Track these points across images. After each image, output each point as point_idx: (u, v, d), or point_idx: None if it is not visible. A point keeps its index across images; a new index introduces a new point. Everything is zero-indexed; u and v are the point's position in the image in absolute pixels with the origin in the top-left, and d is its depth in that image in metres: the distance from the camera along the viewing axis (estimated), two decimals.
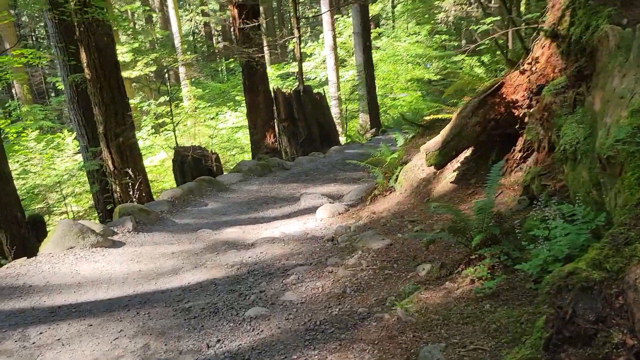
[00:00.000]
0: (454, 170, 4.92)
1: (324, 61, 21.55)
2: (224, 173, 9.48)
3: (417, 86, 21.68)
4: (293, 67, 21.39)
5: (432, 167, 4.84)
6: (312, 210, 6.69)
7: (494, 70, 7.23)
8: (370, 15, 18.73)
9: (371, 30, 18.19)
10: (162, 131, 17.90)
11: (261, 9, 14.83)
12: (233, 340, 3.29)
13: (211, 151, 10.72)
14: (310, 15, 24.60)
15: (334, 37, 19.01)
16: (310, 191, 7.93)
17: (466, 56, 23.57)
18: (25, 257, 5.08)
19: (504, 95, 4.11)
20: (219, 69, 29.23)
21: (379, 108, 15.41)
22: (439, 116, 6.76)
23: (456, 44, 24.01)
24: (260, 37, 12.50)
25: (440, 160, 4.60)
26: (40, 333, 3.59)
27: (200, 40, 29.81)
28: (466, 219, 3.16)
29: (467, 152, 4.87)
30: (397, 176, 6.04)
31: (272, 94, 12.62)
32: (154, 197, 12.56)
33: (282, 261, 4.69)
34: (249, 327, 3.45)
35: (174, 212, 6.90)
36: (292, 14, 14.98)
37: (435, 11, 23.80)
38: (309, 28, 32.61)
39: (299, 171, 9.68)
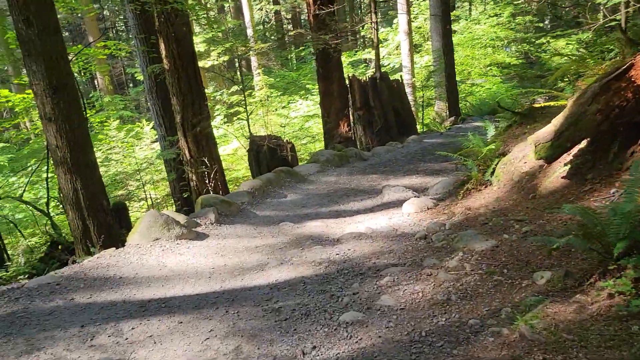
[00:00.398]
0: (566, 164, 4.43)
1: (397, 47, 20.97)
2: (300, 164, 9.31)
3: (497, 71, 20.67)
4: (365, 54, 20.99)
5: (542, 160, 4.38)
6: (396, 204, 6.37)
7: (600, 52, 6.58)
8: None
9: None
10: (235, 120, 18.05)
11: None
12: (330, 348, 3.05)
13: (287, 140, 10.58)
14: None
15: (409, 21, 18.41)
16: (392, 183, 7.61)
17: (551, 38, 22.29)
18: (114, 248, 5.10)
19: (632, 79, 3.61)
20: (288, 58, 29.22)
21: (458, 95, 14.74)
22: (546, 104, 6.24)
23: (541, 25, 22.68)
24: (335, 23, 12.22)
25: (552, 152, 4.14)
26: (132, 328, 3.51)
27: (271, 29, 29.88)
28: (604, 223, 2.74)
29: (582, 144, 4.37)
30: (494, 169, 5.60)
31: (347, 81, 12.31)
32: (228, 186, 12.68)
33: (373, 260, 4.41)
34: (345, 333, 3.20)
35: (254, 204, 6.79)
36: None
37: None
38: (379, 13, 31.93)
39: (377, 162, 9.35)
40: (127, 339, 3.37)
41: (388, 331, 3.15)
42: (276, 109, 18.14)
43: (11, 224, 10.56)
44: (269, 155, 10.24)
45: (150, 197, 14.18)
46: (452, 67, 14.12)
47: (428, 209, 5.80)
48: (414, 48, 19.54)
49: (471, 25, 21.37)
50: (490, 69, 20.85)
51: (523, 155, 5.31)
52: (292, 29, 30.89)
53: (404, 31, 18.21)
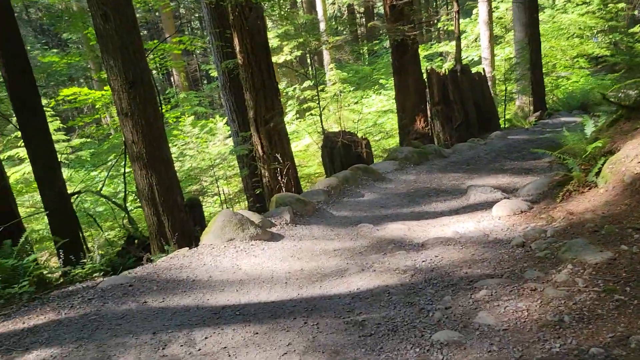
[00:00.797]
0: None
1: (476, 39, 20.08)
2: (377, 161, 8.93)
3: (585, 62, 19.33)
4: (441, 47, 20.24)
5: None
6: (484, 206, 5.88)
7: None
8: None
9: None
10: (307, 116, 17.90)
11: None
12: None
13: (362, 137, 10.24)
14: None
15: (490, 11, 17.55)
16: (477, 183, 7.09)
17: None
18: (187, 248, 4.96)
19: None
20: (361, 52, 28.81)
21: (544, 89, 13.80)
22: None
23: (635, 13, 21.00)
24: (414, 13, 11.74)
25: None
26: (206, 338, 3.30)
27: (343, 23, 29.59)
28: None
29: None
30: (600, 169, 4.99)
31: (426, 74, 11.79)
32: (300, 182, 12.52)
33: (464, 269, 3.99)
34: (440, 356, 2.83)
35: (330, 203, 6.50)
36: None
37: None
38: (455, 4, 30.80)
39: (459, 159, 8.82)
40: (200, 349, 3.16)
41: (491, 356, 2.75)
42: (349, 105, 17.83)
43: (91, 218, 10.90)
44: (343, 151, 9.95)
45: (223, 193, 14.32)
46: (538, 58, 13.24)
47: (522, 212, 5.27)
48: (494, 39, 18.61)
49: (557, 14, 20.08)
50: (577, 60, 19.54)
51: (636, 154, 4.68)
52: (365, 22, 30.44)
53: (484, 21, 17.38)
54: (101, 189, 10.88)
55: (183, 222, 7.62)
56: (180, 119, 14.58)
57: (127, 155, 8.69)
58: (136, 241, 9.03)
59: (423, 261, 4.28)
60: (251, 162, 12.16)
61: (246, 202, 13.45)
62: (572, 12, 19.61)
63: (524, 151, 9.10)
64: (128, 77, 6.50)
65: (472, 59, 19.75)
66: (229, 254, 4.73)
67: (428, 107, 12.00)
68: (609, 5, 19.94)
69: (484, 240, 4.61)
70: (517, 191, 6.45)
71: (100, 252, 10.53)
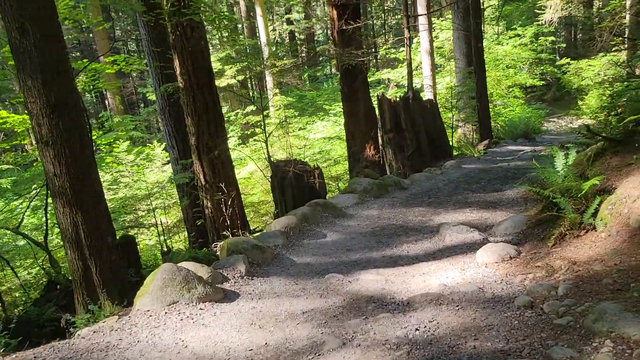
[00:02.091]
0: None
1: (416, 67, 19.86)
2: (329, 190, 8.04)
3: (519, 92, 19.49)
4: (384, 74, 19.87)
5: None
6: (463, 249, 5.11)
7: None
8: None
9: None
10: (251, 142, 16.88)
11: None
12: None
13: (314, 166, 9.37)
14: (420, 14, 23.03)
15: (431, 40, 17.32)
16: (445, 218, 6.35)
17: (571, 60, 21.14)
18: (117, 317, 3.83)
19: None
20: (302, 78, 28.20)
21: (490, 117, 13.51)
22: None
23: (564, 45, 21.53)
24: (363, 40, 11.10)
25: None
26: None
27: (284, 49, 28.92)
28: None
29: None
30: (596, 210, 4.33)
31: (377, 101, 11.14)
32: (245, 211, 11.48)
33: (469, 341, 3.14)
34: None
35: (289, 247, 5.52)
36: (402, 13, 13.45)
37: (538, 11, 21.51)
38: (391, 35, 30.96)
39: (419, 191, 8.10)
40: None
41: None
42: (294, 130, 16.99)
43: (10, 254, 9.39)
44: (294, 182, 9.03)
45: (161, 224, 13.00)
46: (484, 87, 12.94)
47: (511, 258, 4.52)
48: (436, 68, 18.41)
49: (492, 45, 20.24)
50: (512, 90, 19.70)
51: (638, 195, 4.04)
52: (305, 49, 29.93)
53: (426, 50, 17.10)
54: (20, 223, 9.38)
55: (114, 266, 6.45)
56: (114, 145, 13.20)
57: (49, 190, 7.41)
58: (58, 286, 7.70)
59: (416, 329, 3.39)
60: (192, 192, 11.07)
61: (186, 234, 12.28)
62: (507, 44, 19.80)
63: (482, 182, 8.52)
64: (50, 100, 5.35)
65: (415, 86, 19.46)
66: (171, 323, 3.64)
67: (379, 135, 11.32)
68: (539, 38, 20.32)
69: (480, 297, 3.79)
70: (492, 229, 5.75)
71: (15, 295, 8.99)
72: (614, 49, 19.95)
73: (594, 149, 5.59)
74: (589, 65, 20.15)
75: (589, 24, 24.07)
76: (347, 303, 3.98)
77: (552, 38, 20.62)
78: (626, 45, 18.17)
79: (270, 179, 9.68)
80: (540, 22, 20.35)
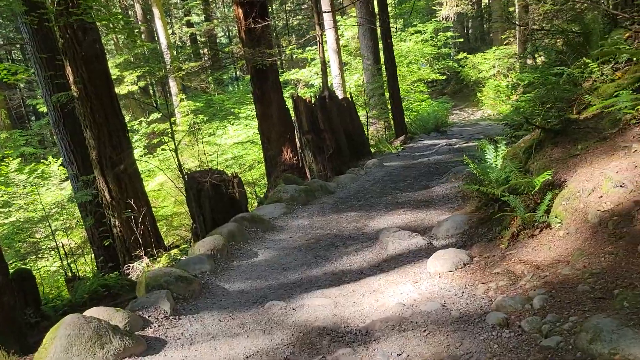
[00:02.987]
0: None
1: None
2: (250, 200, 7.34)
3: (424, 87, 19.83)
4: (292, 75, 19.34)
5: None
6: (409, 257, 4.68)
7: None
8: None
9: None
10: (158, 152, 15.66)
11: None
12: None
13: (232, 174, 8.62)
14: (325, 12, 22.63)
15: (337, 39, 17.05)
16: (381, 223, 5.93)
17: (468, 54, 21.90)
18: None
19: None
20: (208, 81, 26.99)
21: (403, 112, 13.41)
22: (573, 116, 4.81)
23: (462, 41, 22.22)
24: (272, 39, 10.48)
25: None
26: None
27: (186, 53, 27.50)
28: None
29: None
30: (549, 206, 4.05)
31: (291, 102, 10.57)
32: (158, 227, 10.50)
33: None
34: None
35: (218, 272, 4.78)
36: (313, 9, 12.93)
37: (435, 7, 22.08)
38: (293, 36, 30.54)
39: (347, 195, 7.64)
40: None
41: None
42: (204, 137, 15.98)
43: None
44: (212, 193, 8.23)
45: (63, 247, 11.61)
46: (395, 82, 12.79)
47: (464, 265, 4.14)
48: (344, 65, 18.17)
49: (396, 42, 20.41)
50: (418, 85, 19.99)
51: (594, 187, 3.79)
52: (207, 52, 28.69)
53: (333, 49, 16.77)
54: None
55: (7, 308, 5.44)
56: (1, 165, 11.59)
57: None
58: None
59: None
60: (97, 210, 9.93)
61: (92, 255, 11.07)
62: (410, 41, 20.05)
63: (408, 179, 8.24)
64: None
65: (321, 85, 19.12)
66: None
67: (296, 137, 10.76)
68: (439, 34, 20.80)
69: (446, 317, 3.33)
70: (433, 231, 5.39)
71: None
72: (505, 42, 20.94)
73: (527, 140, 5.39)
74: (485, 59, 20.97)
75: (480, 19, 25.19)
76: (297, 339, 3.37)
77: (450, 33, 21.19)
78: (517, 39, 19.10)
79: (184, 192, 8.79)
80: (438, 19, 20.92)
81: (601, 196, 3.70)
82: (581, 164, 4.15)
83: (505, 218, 4.44)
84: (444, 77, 20.58)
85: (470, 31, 28.83)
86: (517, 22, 16.69)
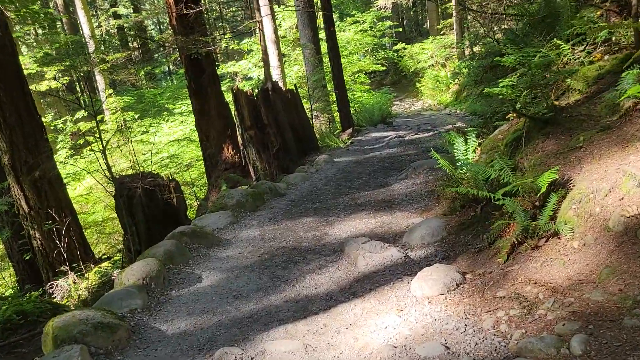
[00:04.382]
0: None
1: (262, 58, 18.43)
2: (208, 212, 6.22)
3: (365, 78, 19.20)
4: (229, 67, 18.12)
5: None
6: (385, 274, 3.88)
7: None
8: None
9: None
10: (85, 152, 14.08)
11: None
12: None
13: (168, 177, 7.51)
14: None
15: (275, 29, 16.02)
16: (343, 230, 5.12)
17: (407, 45, 21.50)
18: None
19: None
20: (138, 76, 25.12)
21: (349, 104, 12.62)
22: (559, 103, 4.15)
23: (400, 30, 21.71)
24: (206, 27, 9.37)
25: None
26: None
27: (112, 44, 25.44)
28: None
29: None
30: (554, 211, 3.34)
31: (232, 95, 9.52)
32: (86, 236, 9.26)
33: None
34: None
35: (153, 308, 3.76)
36: None
37: None
38: (228, 28, 29.07)
39: (299, 196, 6.75)
40: None
41: None
42: (135, 135, 14.54)
43: None
44: (145, 200, 7.12)
45: None
46: (340, 73, 12.00)
47: (457, 286, 3.39)
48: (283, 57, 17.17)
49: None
50: (359, 76, 19.33)
51: (610, 187, 3.11)
52: (136, 45, 26.76)
53: (271, 39, 15.74)
54: None
55: None
56: None
57: None
58: None
59: None
60: (14, 220, 8.57)
61: (11, 270, 9.68)
62: (349, 31, 19.32)
63: (363, 176, 7.47)
64: None
65: (262, 78, 18.04)
66: None
67: (238, 133, 9.73)
68: (378, 24, 20.21)
69: None
70: (404, 239, 4.63)
71: None
72: (442, 32, 20.65)
73: (506, 131, 4.70)
74: (423, 49, 20.61)
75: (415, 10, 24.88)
76: None
77: (389, 23, 20.65)
78: (454, 29, 18.81)
79: (114, 199, 7.59)
80: (376, 8, 20.29)
81: (622, 198, 3.02)
82: (587, 158, 3.48)
83: (495, 224, 3.71)
84: (383, 68, 20.01)
85: (405, 22, 28.57)
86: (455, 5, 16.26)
